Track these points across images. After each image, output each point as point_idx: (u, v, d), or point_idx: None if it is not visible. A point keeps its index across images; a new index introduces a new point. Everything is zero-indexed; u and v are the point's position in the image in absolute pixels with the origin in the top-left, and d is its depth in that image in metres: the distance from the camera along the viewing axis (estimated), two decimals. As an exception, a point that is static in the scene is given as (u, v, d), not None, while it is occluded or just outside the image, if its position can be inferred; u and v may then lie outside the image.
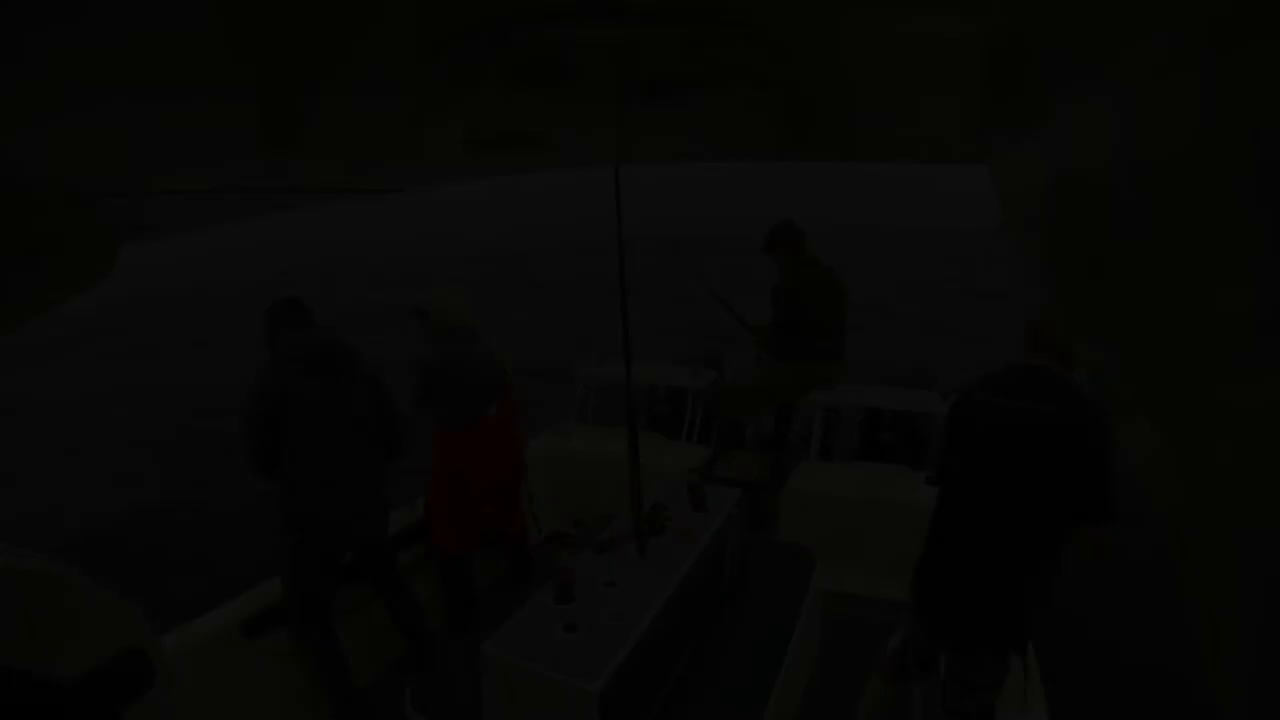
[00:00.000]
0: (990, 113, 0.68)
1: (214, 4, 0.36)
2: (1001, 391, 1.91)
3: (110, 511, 6.56)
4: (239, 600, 2.66)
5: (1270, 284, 0.31)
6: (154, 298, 17.77)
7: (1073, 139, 0.53)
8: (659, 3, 0.41)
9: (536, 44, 0.44)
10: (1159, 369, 0.47)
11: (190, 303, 17.83)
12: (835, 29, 0.47)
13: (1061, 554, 1.86)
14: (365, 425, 2.63)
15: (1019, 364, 1.94)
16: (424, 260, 19.46)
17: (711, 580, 2.44)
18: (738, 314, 4.50)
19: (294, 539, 2.52)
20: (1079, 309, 0.63)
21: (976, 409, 1.95)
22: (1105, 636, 4.06)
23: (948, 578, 2.00)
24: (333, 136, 0.76)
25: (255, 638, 2.58)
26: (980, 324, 9.83)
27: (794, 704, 2.54)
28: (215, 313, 15.78)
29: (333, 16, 0.40)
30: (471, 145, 0.82)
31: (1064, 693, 3.47)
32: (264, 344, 2.57)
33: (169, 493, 7.00)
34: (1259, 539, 0.35)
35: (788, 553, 2.84)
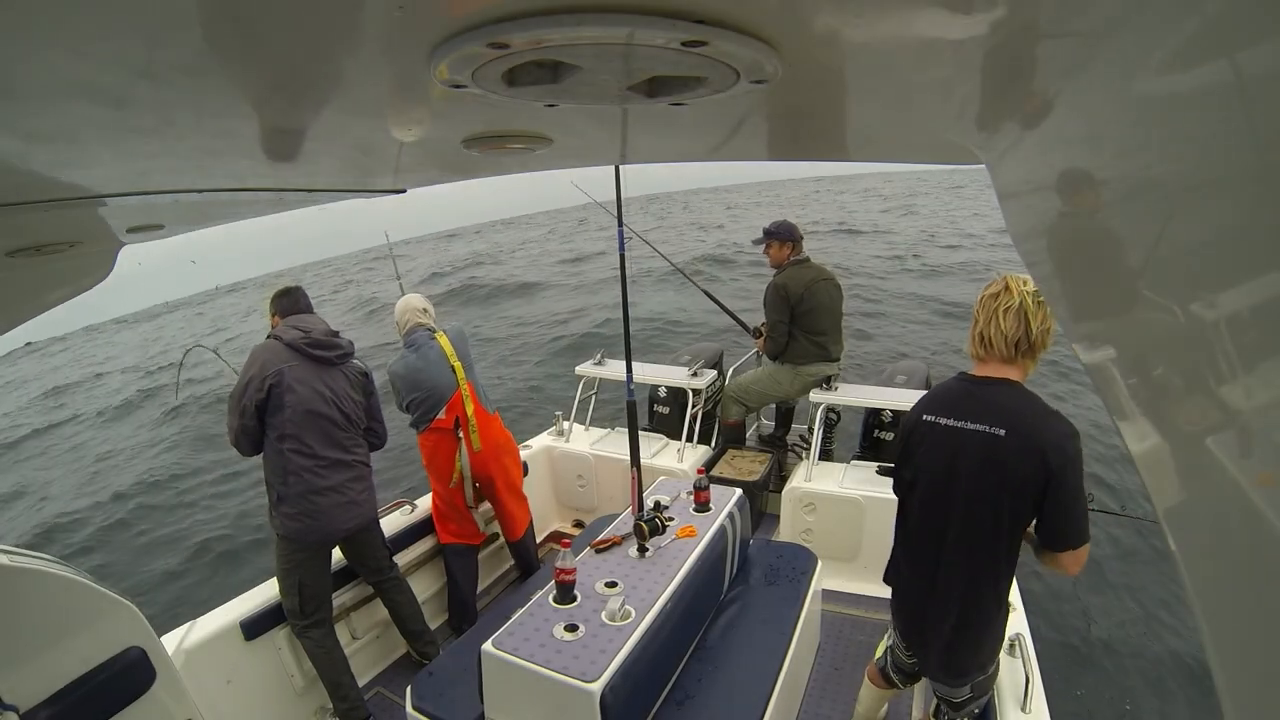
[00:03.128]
0: (990, 112, 0.68)
1: (204, 7, 0.36)
2: (951, 411, 1.73)
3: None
4: (239, 600, 2.66)
5: (1271, 284, 0.31)
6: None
7: (1073, 138, 0.53)
8: (659, 3, 0.41)
9: (536, 43, 0.44)
10: (1159, 369, 0.47)
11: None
12: (834, 28, 0.47)
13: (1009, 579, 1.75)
14: (353, 419, 2.67)
15: (971, 377, 1.75)
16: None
17: (712, 580, 2.44)
18: (737, 317, 4.51)
19: (285, 530, 2.51)
20: (1080, 309, 0.63)
21: (927, 431, 1.77)
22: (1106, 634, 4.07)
23: (906, 603, 1.94)
24: (331, 137, 0.76)
25: (255, 638, 2.58)
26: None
27: (794, 703, 2.54)
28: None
29: (331, 17, 0.40)
30: (471, 145, 0.82)
31: (1064, 692, 3.48)
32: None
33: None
34: (1259, 537, 0.35)
35: (788, 553, 2.84)
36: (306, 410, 2.51)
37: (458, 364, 3.02)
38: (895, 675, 2.13)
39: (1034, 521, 1.66)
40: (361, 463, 2.70)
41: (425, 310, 3.14)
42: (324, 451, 2.55)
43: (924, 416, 1.79)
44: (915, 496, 1.83)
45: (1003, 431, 1.62)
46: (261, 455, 2.55)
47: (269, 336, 2.62)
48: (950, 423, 1.72)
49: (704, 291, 4.85)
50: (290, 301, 2.71)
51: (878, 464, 3.53)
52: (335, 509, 2.56)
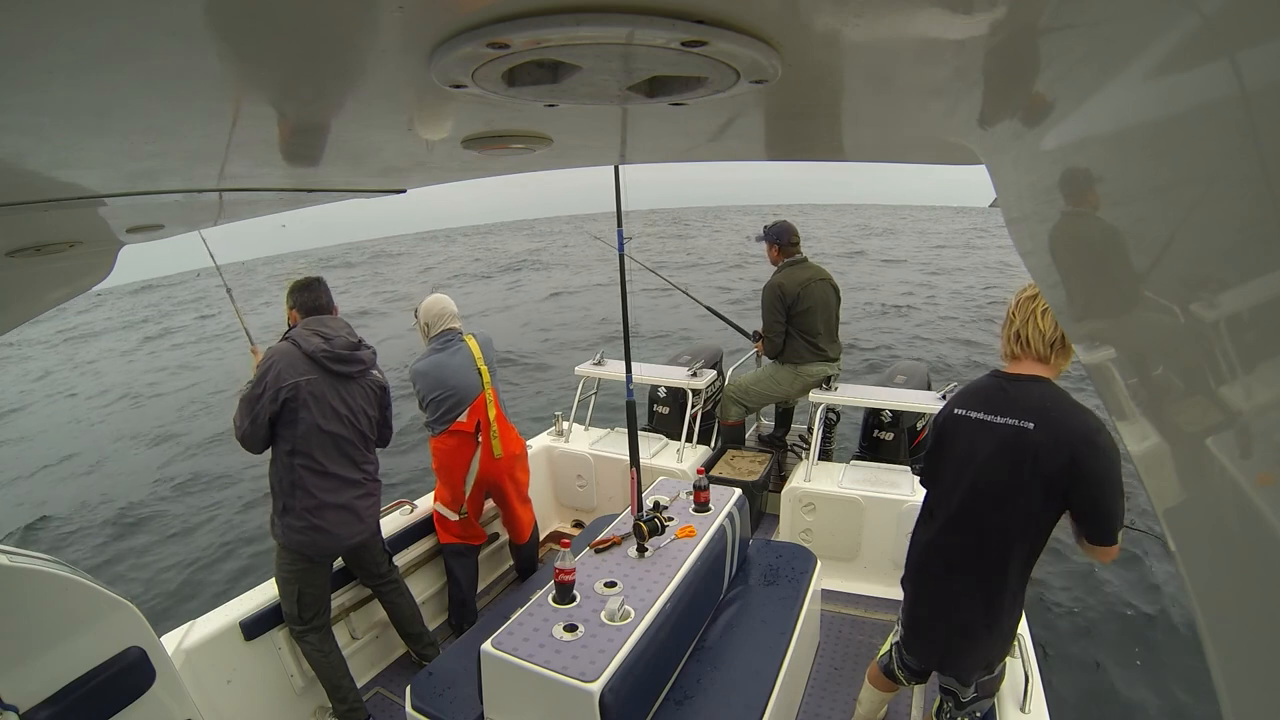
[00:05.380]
0: (991, 112, 0.68)
1: (205, 11, 0.36)
2: (983, 405, 1.76)
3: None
4: (238, 600, 2.66)
5: (1271, 284, 0.31)
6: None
7: (1073, 138, 0.53)
8: (659, 3, 0.41)
9: (536, 43, 0.44)
10: (1159, 369, 0.47)
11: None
12: (835, 28, 0.47)
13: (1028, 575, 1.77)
14: (367, 435, 2.61)
15: (1004, 374, 1.78)
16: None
17: (711, 580, 2.44)
18: (737, 325, 4.52)
19: (288, 541, 2.48)
20: (1080, 309, 0.63)
21: (959, 425, 1.80)
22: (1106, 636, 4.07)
23: (923, 601, 1.94)
24: (331, 138, 0.76)
25: (254, 638, 2.58)
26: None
27: (794, 703, 2.54)
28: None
29: (330, 17, 0.40)
30: (471, 145, 0.82)
31: (1064, 691, 3.48)
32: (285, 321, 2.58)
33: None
34: (1259, 537, 0.35)
35: (788, 553, 2.84)
36: (321, 429, 2.43)
37: (484, 367, 3.00)
38: (901, 673, 2.12)
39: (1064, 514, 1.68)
40: (371, 479, 2.64)
41: (455, 314, 3.09)
42: (335, 469, 2.49)
43: (955, 410, 1.83)
44: (943, 487, 1.86)
45: (1031, 425, 1.66)
46: (269, 462, 2.49)
47: (285, 337, 2.49)
48: (981, 416, 1.76)
49: (706, 306, 4.85)
50: (311, 297, 2.53)
51: (911, 465, 3.57)
52: (341, 525, 2.52)
